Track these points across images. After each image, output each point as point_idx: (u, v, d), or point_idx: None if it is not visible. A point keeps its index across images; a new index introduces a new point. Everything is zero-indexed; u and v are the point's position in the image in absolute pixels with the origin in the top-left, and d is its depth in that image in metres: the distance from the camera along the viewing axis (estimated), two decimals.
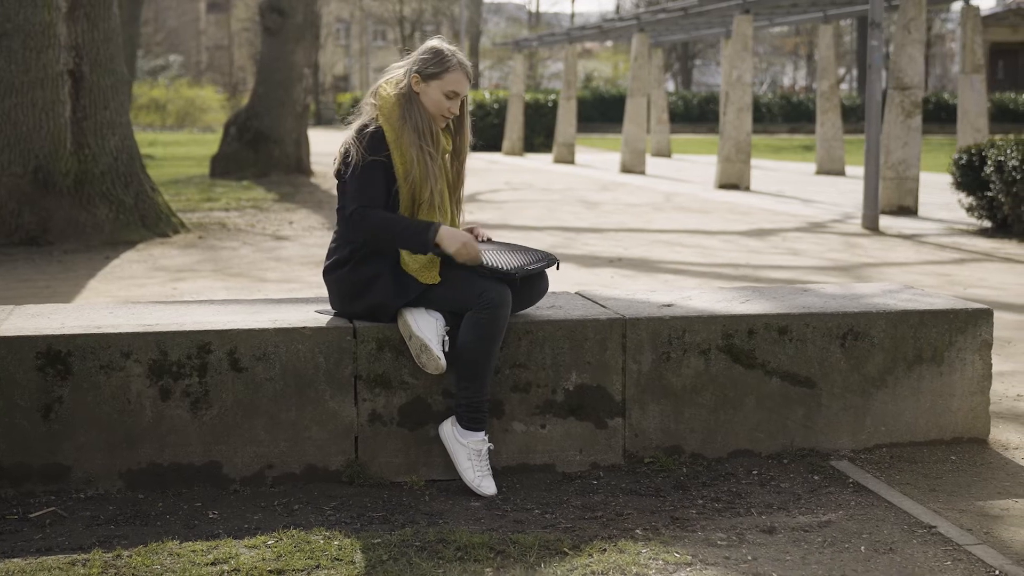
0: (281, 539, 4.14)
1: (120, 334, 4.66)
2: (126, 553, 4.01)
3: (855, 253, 12.08)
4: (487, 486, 4.67)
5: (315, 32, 23.03)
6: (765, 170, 26.59)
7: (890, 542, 4.18)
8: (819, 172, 25.38)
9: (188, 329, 4.72)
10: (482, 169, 27.31)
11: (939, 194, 17.99)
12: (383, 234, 4.65)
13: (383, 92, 4.78)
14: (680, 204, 18.12)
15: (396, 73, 4.81)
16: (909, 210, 16.28)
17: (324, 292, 5.13)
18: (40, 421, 4.60)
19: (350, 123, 4.83)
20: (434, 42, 4.81)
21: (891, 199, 16.31)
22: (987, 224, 14.10)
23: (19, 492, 4.60)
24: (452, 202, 4.86)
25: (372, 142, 4.67)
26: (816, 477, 4.89)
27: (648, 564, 3.95)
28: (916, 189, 16.43)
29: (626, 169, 26.76)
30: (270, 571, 3.86)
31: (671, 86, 69.41)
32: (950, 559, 4.03)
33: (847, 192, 19.76)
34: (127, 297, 8.86)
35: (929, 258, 11.72)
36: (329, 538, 4.15)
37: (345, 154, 4.73)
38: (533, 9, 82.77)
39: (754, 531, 4.29)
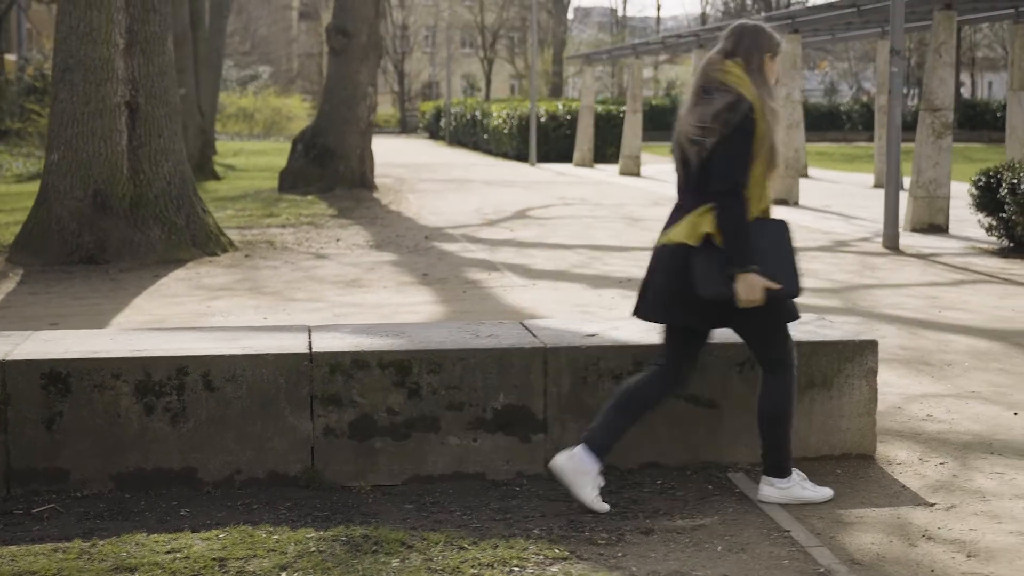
0: (231, 533, 4.96)
1: (111, 358, 5.53)
2: (100, 543, 4.86)
3: (862, 274, 12.67)
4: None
5: (379, 52, 23.95)
6: (823, 182, 27.12)
7: (745, 543, 4.90)
8: (876, 185, 25.81)
9: (169, 355, 5.57)
10: (547, 181, 28.07)
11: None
12: (732, 231, 5.09)
13: (733, 71, 5.20)
14: None
15: (720, 57, 5.25)
16: (940, 228, 16.81)
17: (312, 318, 6.01)
18: (44, 431, 5.48)
19: (710, 99, 5.16)
20: (757, 24, 5.33)
21: (922, 217, 16.85)
22: (1007, 243, 14.60)
23: (26, 491, 5.48)
24: None
25: (745, 115, 5.09)
26: (710, 487, 5.62)
27: (528, 558, 4.71)
28: (947, 208, 16.95)
29: None
30: (214, 559, 4.68)
31: None
32: (788, 558, 4.75)
33: None
34: (165, 315, 9.77)
35: (930, 279, 12.29)
36: (271, 532, 4.96)
37: (708, 130, 5.11)
38: (620, 14, 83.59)
39: (634, 532, 5.03)
